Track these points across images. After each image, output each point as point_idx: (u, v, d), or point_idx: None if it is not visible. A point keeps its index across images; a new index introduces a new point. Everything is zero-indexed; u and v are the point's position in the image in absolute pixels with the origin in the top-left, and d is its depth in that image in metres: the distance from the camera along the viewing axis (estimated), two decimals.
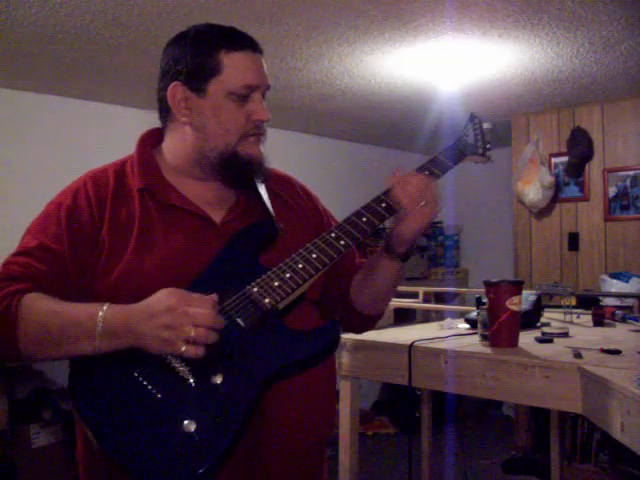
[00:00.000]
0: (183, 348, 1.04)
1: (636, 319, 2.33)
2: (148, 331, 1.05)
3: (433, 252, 5.73)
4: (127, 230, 1.20)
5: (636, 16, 2.73)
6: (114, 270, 1.17)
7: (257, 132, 1.24)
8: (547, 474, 3.15)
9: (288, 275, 1.15)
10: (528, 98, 4.08)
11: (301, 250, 1.19)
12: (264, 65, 1.25)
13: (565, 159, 4.33)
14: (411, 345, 1.80)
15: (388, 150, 5.63)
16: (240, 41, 1.22)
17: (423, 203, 1.20)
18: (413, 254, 1.31)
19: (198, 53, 1.20)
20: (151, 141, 1.31)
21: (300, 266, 1.16)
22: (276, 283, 1.15)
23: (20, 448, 3.24)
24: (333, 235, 1.21)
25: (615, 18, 2.75)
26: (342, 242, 1.20)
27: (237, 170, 1.23)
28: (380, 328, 2.14)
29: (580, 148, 4.22)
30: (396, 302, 3.31)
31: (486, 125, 1.38)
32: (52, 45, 2.97)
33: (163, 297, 1.06)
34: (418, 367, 1.78)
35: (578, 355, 1.61)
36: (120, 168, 1.28)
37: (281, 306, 1.15)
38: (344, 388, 1.98)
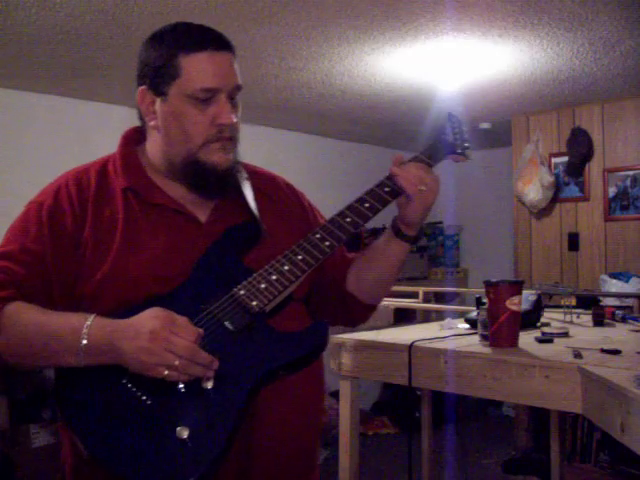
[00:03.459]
0: (166, 372, 1.03)
1: (636, 319, 2.33)
2: (129, 350, 1.03)
3: (433, 252, 5.73)
4: (111, 230, 1.18)
5: (636, 16, 2.73)
6: (98, 271, 1.15)
7: (221, 137, 1.19)
8: (547, 474, 3.15)
9: (274, 277, 1.16)
10: (528, 98, 4.08)
11: (287, 252, 1.19)
12: (233, 64, 1.20)
13: (565, 159, 4.33)
14: (411, 345, 1.80)
15: (388, 150, 5.63)
16: (200, 41, 1.17)
17: (424, 188, 1.24)
18: (420, 238, 1.36)
19: (160, 56, 1.18)
20: (133, 139, 1.29)
21: (286, 268, 1.17)
22: (262, 285, 1.15)
23: (20, 448, 3.24)
24: (318, 236, 1.21)
25: (615, 18, 2.75)
26: (327, 243, 1.21)
27: (201, 178, 1.20)
28: (380, 328, 2.14)
29: (580, 148, 4.22)
30: (396, 302, 3.31)
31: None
32: (52, 45, 2.97)
33: (148, 317, 1.05)
34: (418, 367, 1.78)
35: (578, 355, 1.61)
36: (102, 167, 1.25)
37: (268, 308, 1.16)
38: (344, 388, 1.98)
